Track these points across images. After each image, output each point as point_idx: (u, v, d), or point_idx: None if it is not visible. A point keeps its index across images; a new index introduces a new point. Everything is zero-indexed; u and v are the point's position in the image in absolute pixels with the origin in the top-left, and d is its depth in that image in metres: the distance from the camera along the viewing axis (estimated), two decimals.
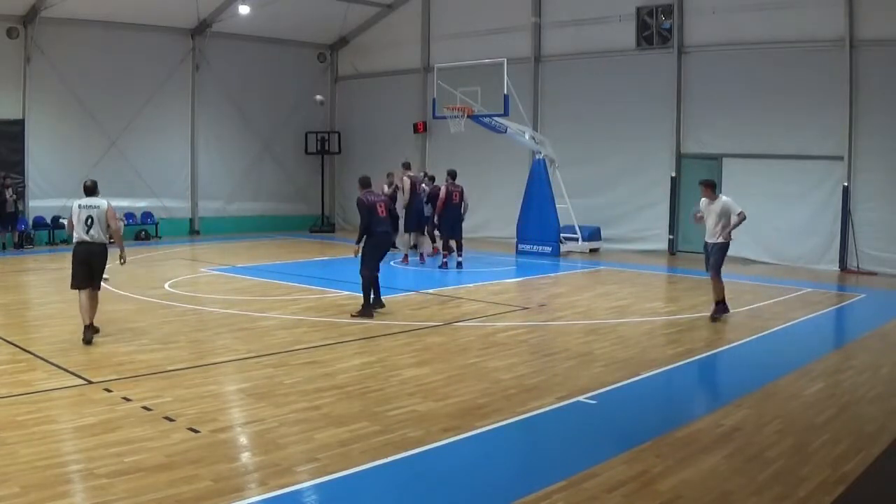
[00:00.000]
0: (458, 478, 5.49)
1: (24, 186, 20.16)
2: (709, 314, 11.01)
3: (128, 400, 6.89)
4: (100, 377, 7.61)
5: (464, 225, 16.86)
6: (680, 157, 19.12)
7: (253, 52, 24.10)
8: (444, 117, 17.87)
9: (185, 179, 23.48)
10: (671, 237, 19.29)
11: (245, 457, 5.82)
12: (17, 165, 20.04)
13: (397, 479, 5.44)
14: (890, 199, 16.13)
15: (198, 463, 5.47)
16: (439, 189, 16.57)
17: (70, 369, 7.89)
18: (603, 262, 17.82)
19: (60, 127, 20.75)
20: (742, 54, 17.85)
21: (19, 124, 20.10)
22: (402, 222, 16.91)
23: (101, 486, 5.02)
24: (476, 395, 7.31)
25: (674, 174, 19.13)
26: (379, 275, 11.25)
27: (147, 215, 22.49)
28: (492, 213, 21.88)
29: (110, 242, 9.40)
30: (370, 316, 10.87)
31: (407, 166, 17.85)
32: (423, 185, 17.44)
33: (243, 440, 6.18)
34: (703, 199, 11.00)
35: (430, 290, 13.57)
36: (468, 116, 17.36)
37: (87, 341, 8.99)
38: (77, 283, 9.18)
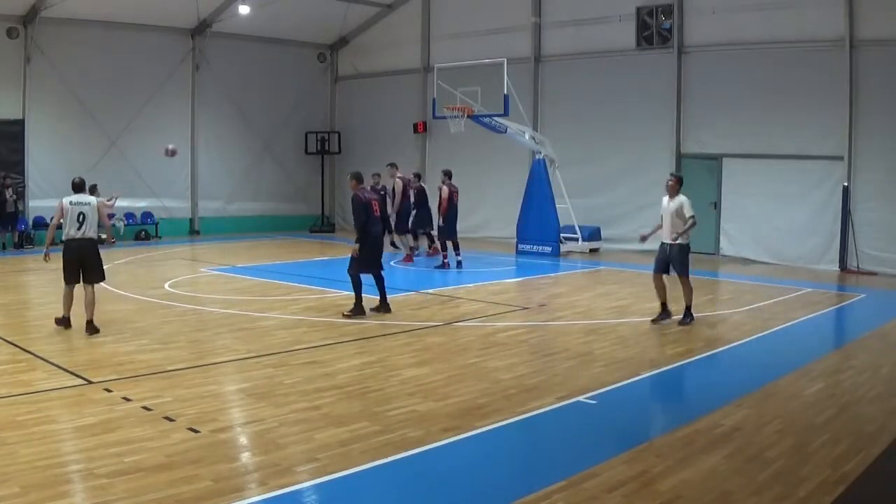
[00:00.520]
0: (458, 478, 5.49)
1: (24, 186, 20.17)
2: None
3: (128, 400, 6.89)
4: (100, 377, 7.62)
5: (464, 225, 16.84)
6: (680, 157, 19.08)
7: (253, 52, 24.10)
8: (444, 117, 17.84)
9: (185, 179, 23.47)
10: None
11: (245, 457, 5.82)
12: (17, 165, 20.05)
13: (397, 479, 5.44)
14: (890, 199, 16.11)
15: (198, 463, 5.47)
16: (423, 188, 16.54)
17: (70, 369, 7.90)
18: (603, 262, 17.81)
19: (60, 127, 20.75)
20: (742, 54, 17.83)
21: (19, 124, 20.10)
22: (392, 224, 16.82)
23: (101, 486, 5.03)
24: (476, 395, 7.31)
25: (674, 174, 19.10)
26: (384, 272, 11.20)
27: (147, 215, 22.50)
28: (492, 213, 21.88)
29: (100, 238, 9.57)
30: (363, 313, 10.85)
31: (394, 167, 17.83)
32: (410, 186, 17.33)
33: (243, 440, 6.18)
34: (664, 197, 10.63)
35: (430, 290, 13.57)
36: (468, 116, 17.33)
37: (62, 325, 9.64)
38: (69, 279, 9.56)
